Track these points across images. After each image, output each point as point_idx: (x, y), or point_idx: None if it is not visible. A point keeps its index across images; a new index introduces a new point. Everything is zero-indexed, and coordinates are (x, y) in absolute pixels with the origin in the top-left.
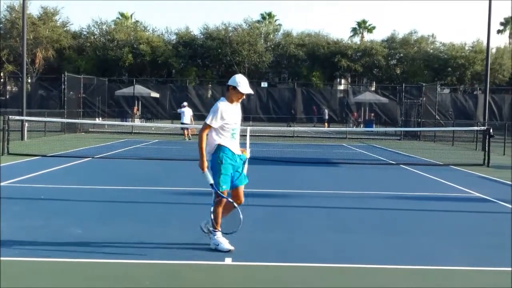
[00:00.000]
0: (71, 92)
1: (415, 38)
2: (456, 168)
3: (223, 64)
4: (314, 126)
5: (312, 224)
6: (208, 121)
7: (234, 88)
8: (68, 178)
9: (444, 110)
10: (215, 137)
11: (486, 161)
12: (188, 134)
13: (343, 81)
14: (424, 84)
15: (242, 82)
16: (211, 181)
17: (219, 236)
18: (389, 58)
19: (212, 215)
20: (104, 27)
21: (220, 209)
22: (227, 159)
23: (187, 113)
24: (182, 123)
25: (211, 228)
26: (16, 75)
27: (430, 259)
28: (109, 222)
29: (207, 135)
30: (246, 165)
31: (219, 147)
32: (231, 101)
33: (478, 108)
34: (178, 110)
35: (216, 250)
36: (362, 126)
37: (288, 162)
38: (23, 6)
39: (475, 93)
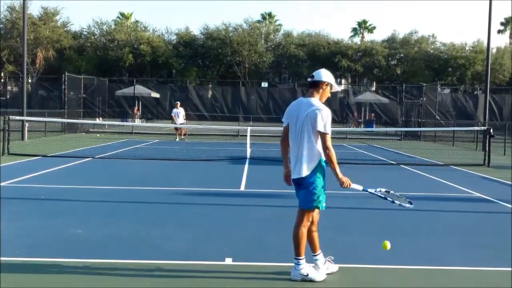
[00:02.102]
0: (72, 92)
1: (416, 38)
2: (457, 168)
3: (224, 64)
4: None
5: None
6: (328, 129)
7: (331, 86)
8: (68, 178)
9: (445, 110)
10: (318, 146)
11: (486, 161)
12: (184, 134)
13: (343, 81)
14: (424, 84)
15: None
16: (361, 187)
17: (305, 264)
18: (390, 58)
19: (299, 239)
20: (104, 27)
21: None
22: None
23: (181, 113)
24: (180, 123)
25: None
26: (16, 75)
27: (430, 259)
28: (109, 222)
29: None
30: None
31: (321, 159)
32: (322, 101)
33: (479, 108)
34: (175, 111)
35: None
36: (362, 126)
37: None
38: (24, 7)
39: (475, 93)
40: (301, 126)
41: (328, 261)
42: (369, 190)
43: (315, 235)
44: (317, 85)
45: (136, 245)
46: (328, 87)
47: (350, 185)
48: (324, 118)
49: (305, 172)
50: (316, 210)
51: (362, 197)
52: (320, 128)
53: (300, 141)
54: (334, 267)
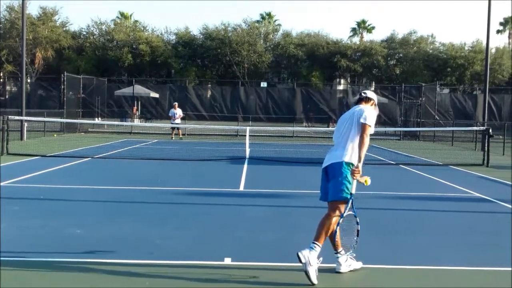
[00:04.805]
0: (71, 92)
1: (415, 38)
2: (456, 168)
3: (223, 64)
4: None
5: (312, 224)
6: (370, 122)
7: (375, 106)
8: (67, 178)
9: (444, 110)
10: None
11: (485, 161)
12: (181, 134)
13: (342, 81)
14: (423, 84)
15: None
16: (353, 191)
17: (315, 255)
18: (389, 58)
19: (322, 226)
20: (103, 27)
21: (334, 223)
22: None
23: (178, 113)
24: (176, 123)
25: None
26: (15, 75)
27: (430, 259)
28: (109, 222)
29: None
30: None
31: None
32: None
33: (478, 108)
34: (172, 112)
35: (303, 271)
36: None
37: (287, 162)
38: (23, 6)
39: (474, 93)
40: (347, 122)
41: (350, 258)
42: (348, 208)
43: (337, 231)
44: (367, 100)
45: (135, 245)
46: (374, 106)
47: (357, 178)
48: (368, 114)
49: (342, 158)
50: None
51: (361, 197)
52: (362, 119)
53: (345, 134)
54: (357, 264)
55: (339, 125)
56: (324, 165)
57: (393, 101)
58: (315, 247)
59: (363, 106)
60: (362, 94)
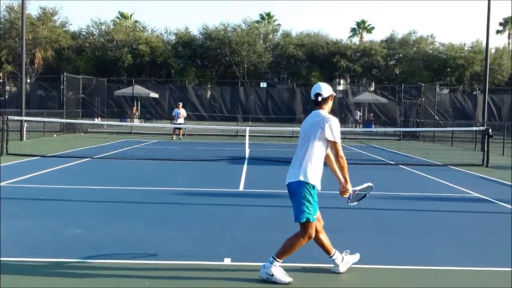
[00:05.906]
0: (70, 93)
1: (414, 38)
2: (455, 168)
3: (222, 64)
4: None
5: None
6: (338, 138)
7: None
8: (67, 178)
9: (443, 110)
10: (319, 158)
11: (485, 161)
12: (180, 134)
13: (342, 81)
14: (423, 84)
15: None
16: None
17: (278, 268)
18: (388, 59)
19: (289, 245)
20: (103, 27)
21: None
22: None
23: (182, 113)
24: (179, 123)
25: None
26: (15, 75)
27: (430, 259)
28: (109, 222)
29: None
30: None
31: (316, 186)
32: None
33: (477, 109)
34: (176, 111)
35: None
36: (361, 126)
37: (288, 162)
38: (22, 7)
39: (474, 93)
40: (306, 132)
41: (345, 255)
42: (355, 189)
43: (323, 238)
44: (325, 101)
45: (135, 245)
46: (332, 99)
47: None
48: (333, 127)
49: (299, 177)
50: (319, 217)
51: None
52: (329, 137)
53: (302, 147)
54: (355, 258)
55: (302, 131)
56: (286, 182)
57: (392, 101)
58: (274, 262)
59: (323, 111)
60: (319, 98)
